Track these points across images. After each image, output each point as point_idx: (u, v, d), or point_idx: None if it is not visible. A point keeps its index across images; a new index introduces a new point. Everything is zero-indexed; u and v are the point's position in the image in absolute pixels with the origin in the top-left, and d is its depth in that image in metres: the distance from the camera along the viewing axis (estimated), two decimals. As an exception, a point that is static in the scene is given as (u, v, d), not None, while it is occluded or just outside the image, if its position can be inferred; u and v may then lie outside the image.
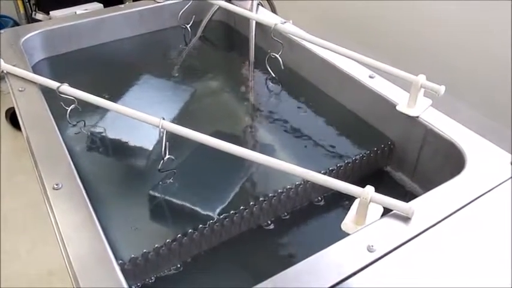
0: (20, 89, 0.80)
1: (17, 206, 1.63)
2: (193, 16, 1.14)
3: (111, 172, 0.74)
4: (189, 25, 1.14)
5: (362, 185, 0.57)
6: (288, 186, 0.68)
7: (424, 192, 0.60)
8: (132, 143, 0.78)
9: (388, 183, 0.78)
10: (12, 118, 1.99)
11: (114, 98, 0.88)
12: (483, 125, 0.74)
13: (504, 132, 0.93)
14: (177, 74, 1.02)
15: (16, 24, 2.19)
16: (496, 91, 0.98)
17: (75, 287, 0.48)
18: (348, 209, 0.59)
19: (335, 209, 0.72)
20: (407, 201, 0.56)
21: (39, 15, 1.93)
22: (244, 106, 0.91)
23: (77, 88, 0.78)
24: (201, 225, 0.62)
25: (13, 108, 2.02)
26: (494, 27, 0.97)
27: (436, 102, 0.76)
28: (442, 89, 0.72)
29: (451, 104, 0.78)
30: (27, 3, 2.04)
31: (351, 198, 0.59)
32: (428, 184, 0.68)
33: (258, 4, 1.05)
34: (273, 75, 0.97)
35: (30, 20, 2.01)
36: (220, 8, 1.10)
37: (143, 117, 0.71)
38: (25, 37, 0.99)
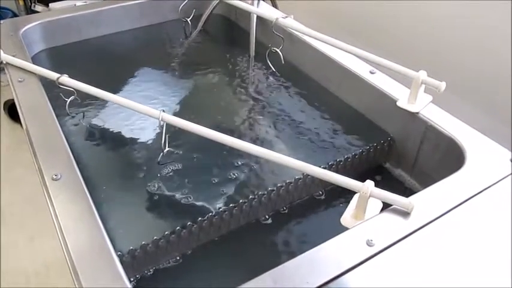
0: (20, 79, 0.80)
1: (14, 199, 1.63)
2: (194, 10, 1.14)
3: (110, 164, 0.74)
4: (190, 19, 1.13)
5: (361, 180, 0.57)
6: (288, 180, 0.68)
7: (423, 189, 0.60)
8: (131, 135, 0.78)
9: (387, 179, 0.78)
10: (10, 110, 1.98)
11: (114, 89, 0.88)
12: (483, 123, 0.74)
13: (505, 131, 0.93)
14: (177, 67, 1.01)
15: (15, 16, 2.18)
16: (497, 89, 0.97)
17: (74, 278, 0.48)
18: (348, 203, 0.59)
19: (334, 203, 0.72)
20: (406, 197, 0.56)
21: (39, 7, 1.92)
22: (245, 100, 0.90)
23: (76, 79, 0.78)
24: (200, 218, 0.62)
25: (11, 100, 2.02)
26: (495, 26, 0.97)
27: (437, 100, 0.76)
28: (442, 85, 0.72)
29: (452, 102, 0.77)
30: (27, -5, 2.03)
31: (350, 193, 0.59)
32: (428, 180, 0.68)
33: (259, -2, 1.05)
34: (274, 70, 0.97)
35: (29, 11, 1.99)
36: (221, 1, 1.09)
37: (143, 109, 0.70)
38: (24, 28, 0.98)
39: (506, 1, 0.93)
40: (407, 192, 0.76)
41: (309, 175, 0.68)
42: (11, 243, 1.47)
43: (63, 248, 0.51)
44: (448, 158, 0.69)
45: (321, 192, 0.73)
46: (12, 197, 1.64)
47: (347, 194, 0.61)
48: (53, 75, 0.79)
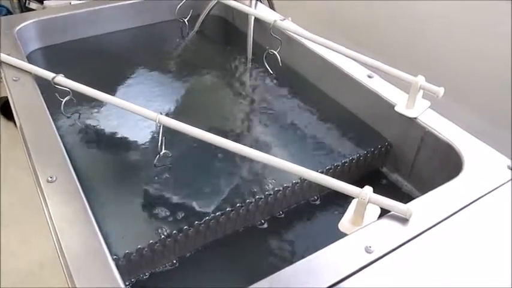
0: (14, 78, 0.79)
1: (7, 198, 1.61)
2: (191, 10, 1.13)
3: (106, 166, 0.73)
4: (187, 19, 1.13)
5: (358, 185, 0.57)
6: (285, 185, 0.67)
7: (420, 194, 0.60)
8: (127, 136, 0.78)
9: (384, 184, 0.78)
10: (4, 108, 1.96)
11: (110, 90, 0.87)
12: (482, 129, 0.74)
13: (503, 136, 0.93)
14: (173, 68, 1.00)
15: (9, 12, 2.16)
16: (496, 94, 0.98)
17: (69, 281, 0.47)
18: (343, 208, 0.59)
19: (330, 208, 0.72)
20: (403, 203, 0.55)
21: (33, 5, 1.90)
22: (241, 102, 0.90)
23: (72, 79, 0.77)
24: (196, 222, 0.61)
25: (4, 97, 1.99)
26: (494, 30, 0.97)
27: (435, 105, 0.76)
28: (441, 90, 0.71)
29: (450, 107, 0.77)
30: (21, -8, 2.01)
31: (345, 198, 0.58)
32: (425, 186, 0.68)
33: (257, 0, 1.05)
34: (271, 72, 0.96)
35: (24, 9, 1.98)
36: (218, 2, 1.09)
37: (140, 111, 0.70)
38: (19, 26, 0.97)
39: (506, 7, 0.94)
40: (404, 197, 0.76)
41: (306, 180, 0.68)
42: (5, 242, 1.46)
43: (57, 250, 0.51)
44: (446, 164, 0.69)
45: (316, 197, 0.73)
46: (5, 196, 1.62)
47: (342, 199, 0.61)
48: (48, 74, 0.78)
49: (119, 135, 0.78)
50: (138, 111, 0.70)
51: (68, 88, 0.77)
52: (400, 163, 0.78)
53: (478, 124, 0.80)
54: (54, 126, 0.69)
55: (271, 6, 1.37)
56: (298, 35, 0.91)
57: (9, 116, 1.94)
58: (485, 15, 0.99)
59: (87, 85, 0.76)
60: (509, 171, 0.63)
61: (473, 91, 1.03)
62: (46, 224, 0.54)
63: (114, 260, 0.50)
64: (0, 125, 1.95)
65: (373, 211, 0.57)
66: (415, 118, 0.73)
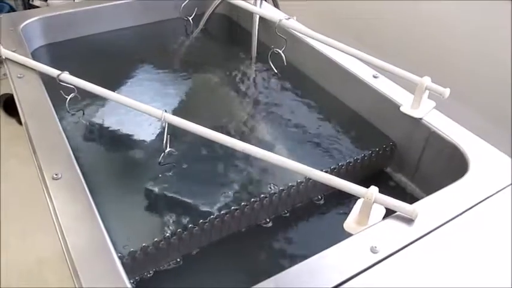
0: (19, 75, 0.79)
1: (6, 193, 1.61)
2: (196, 8, 1.13)
3: (110, 163, 0.73)
4: (191, 17, 1.13)
5: (362, 185, 0.57)
6: (290, 184, 0.67)
7: (424, 195, 0.60)
8: (132, 134, 0.77)
9: (388, 184, 0.78)
10: (6, 105, 1.95)
11: (114, 87, 0.87)
12: (485, 129, 0.74)
13: (504, 137, 0.93)
14: (178, 66, 1.01)
15: (12, 10, 2.16)
16: (498, 95, 0.97)
17: (74, 278, 0.47)
18: (346, 208, 0.59)
19: (334, 208, 0.72)
20: (407, 203, 0.55)
21: (37, 2, 1.90)
22: (246, 101, 0.90)
23: (76, 76, 0.77)
24: (201, 220, 0.61)
25: (6, 94, 1.97)
26: (496, 30, 0.97)
27: (438, 105, 0.75)
28: (446, 91, 0.71)
29: (453, 107, 0.77)
30: (25, -11, 2.01)
31: (349, 198, 0.58)
32: (429, 187, 0.68)
33: (262, -1, 1.04)
34: (276, 71, 0.96)
35: (27, 6, 1.98)
36: (223, 1, 1.09)
37: (145, 109, 0.70)
38: (24, 23, 0.97)
39: (506, 7, 0.93)
40: (407, 197, 0.76)
41: (310, 179, 0.68)
42: (4, 238, 1.46)
43: (63, 248, 0.51)
44: (451, 165, 0.69)
45: (320, 197, 0.73)
46: (4, 190, 1.62)
47: (346, 199, 0.61)
48: (53, 71, 0.78)
49: (123, 133, 0.78)
50: (143, 109, 0.70)
51: (73, 85, 0.77)
52: (405, 163, 0.78)
53: (480, 124, 0.79)
54: (59, 123, 0.69)
55: (276, 5, 1.37)
56: (303, 34, 0.90)
57: (11, 112, 1.94)
58: (486, 15, 0.99)
59: (92, 82, 0.76)
60: (515, 172, 0.63)
61: (474, 91, 1.03)
62: (47, 220, 0.54)
63: (119, 258, 0.50)
64: (0, 120, 1.94)
65: (379, 211, 0.57)
66: (421, 119, 0.73)
